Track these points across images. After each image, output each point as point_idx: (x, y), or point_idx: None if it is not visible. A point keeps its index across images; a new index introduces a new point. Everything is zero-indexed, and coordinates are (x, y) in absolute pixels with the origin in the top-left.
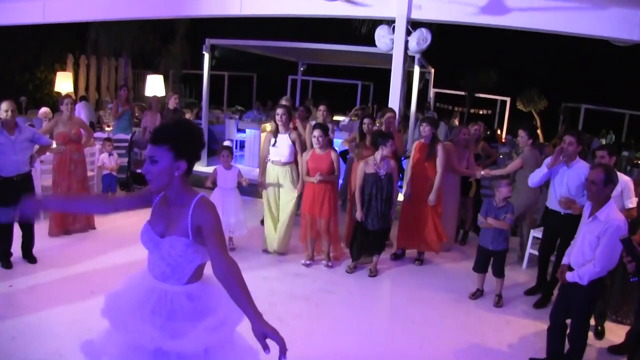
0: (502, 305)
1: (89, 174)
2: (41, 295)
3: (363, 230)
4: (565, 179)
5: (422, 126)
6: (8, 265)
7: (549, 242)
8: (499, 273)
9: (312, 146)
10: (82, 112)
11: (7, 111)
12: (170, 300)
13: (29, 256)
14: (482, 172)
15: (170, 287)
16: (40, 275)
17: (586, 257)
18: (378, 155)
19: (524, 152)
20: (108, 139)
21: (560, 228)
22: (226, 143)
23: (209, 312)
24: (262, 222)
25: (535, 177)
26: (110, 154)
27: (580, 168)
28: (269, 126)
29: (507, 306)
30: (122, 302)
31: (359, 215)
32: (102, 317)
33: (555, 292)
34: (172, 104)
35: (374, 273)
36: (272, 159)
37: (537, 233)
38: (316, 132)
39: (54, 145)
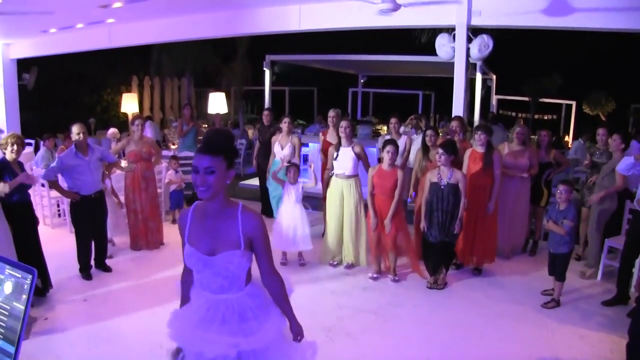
0: (551, 307)
1: (158, 191)
2: (115, 307)
3: (425, 241)
4: None
5: (477, 134)
6: (89, 276)
7: (631, 248)
8: (558, 276)
9: None
10: (147, 131)
11: (78, 134)
12: (237, 306)
13: (102, 265)
14: (593, 199)
15: (232, 296)
16: (114, 287)
17: None
18: (440, 164)
19: (614, 159)
20: (174, 157)
21: None
22: (293, 160)
23: (271, 305)
24: (323, 235)
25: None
26: (176, 172)
27: None
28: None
29: (581, 319)
30: (188, 324)
31: (422, 225)
32: (172, 340)
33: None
34: (266, 120)
35: (440, 286)
36: (335, 172)
37: (612, 242)
38: (390, 148)
39: (125, 164)
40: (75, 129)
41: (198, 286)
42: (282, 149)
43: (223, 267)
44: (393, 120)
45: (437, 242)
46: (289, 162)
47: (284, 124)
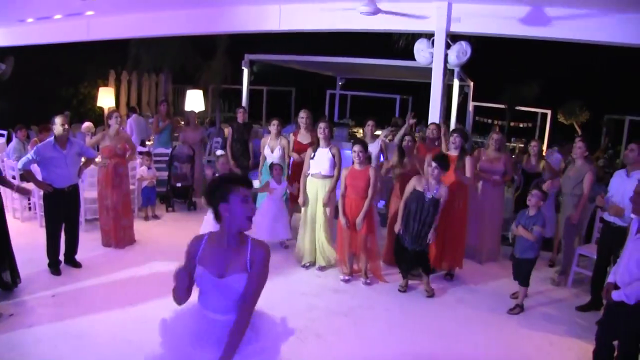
0: (516, 313)
1: (131, 187)
2: (83, 304)
3: (400, 245)
4: (621, 188)
5: (453, 137)
6: (58, 272)
7: (603, 256)
8: (521, 281)
9: None
10: (133, 126)
11: (62, 125)
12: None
13: (72, 261)
14: (575, 217)
15: (230, 317)
16: (83, 284)
17: (633, 275)
18: (429, 176)
19: (578, 164)
20: (147, 153)
21: (612, 240)
22: (278, 161)
23: (265, 324)
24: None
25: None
26: (149, 168)
27: None
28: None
29: (551, 325)
30: (183, 341)
31: (396, 227)
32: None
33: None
34: (241, 118)
35: (430, 293)
36: (311, 172)
37: (582, 250)
38: (356, 148)
39: (99, 159)
40: (59, 120)
41: (201, 304)
42: (272, 151)
43: (231, 288)
44: (370, 123)
45: (410, 249)
46: (278, 164)
47: (273, 126)
